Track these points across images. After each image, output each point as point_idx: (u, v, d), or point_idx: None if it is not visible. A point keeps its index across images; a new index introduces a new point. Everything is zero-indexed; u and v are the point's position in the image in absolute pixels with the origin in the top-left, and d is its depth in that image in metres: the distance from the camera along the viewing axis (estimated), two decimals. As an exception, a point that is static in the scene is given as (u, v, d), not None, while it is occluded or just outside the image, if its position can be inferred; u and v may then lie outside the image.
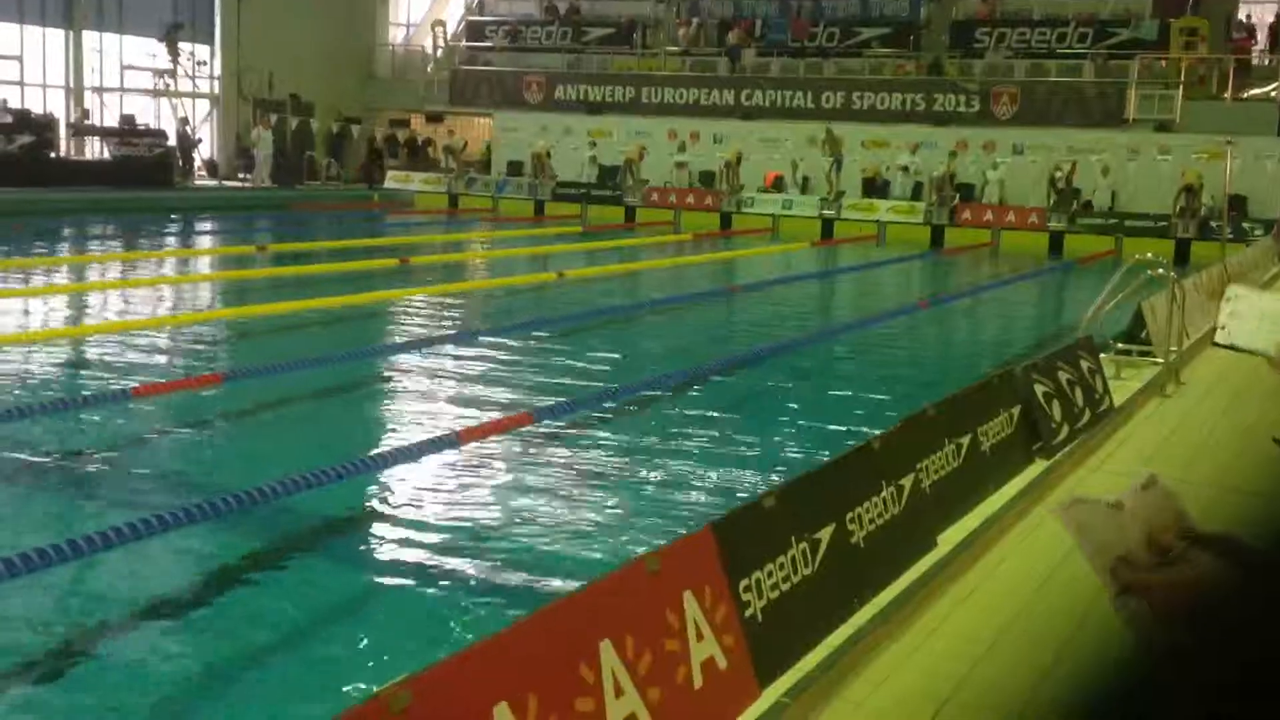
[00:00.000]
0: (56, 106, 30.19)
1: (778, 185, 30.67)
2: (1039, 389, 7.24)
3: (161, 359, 10.88)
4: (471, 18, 39.05)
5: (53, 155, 27.99)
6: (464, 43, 38.06)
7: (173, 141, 30.93)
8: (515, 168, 33.39)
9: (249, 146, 32.21)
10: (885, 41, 32.94)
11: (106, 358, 10.71)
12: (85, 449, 7.80)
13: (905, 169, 29.41)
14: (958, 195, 28.71)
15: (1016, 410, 6.91)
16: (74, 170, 27.90)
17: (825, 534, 4.48)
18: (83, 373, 10.27)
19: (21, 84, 29.61)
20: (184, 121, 32.08)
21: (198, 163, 32.70)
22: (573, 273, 17.81)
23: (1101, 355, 9.17)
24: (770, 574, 4.09)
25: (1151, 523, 1.67)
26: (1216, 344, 10.69)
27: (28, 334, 11.68)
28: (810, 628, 4.23)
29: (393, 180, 33.63)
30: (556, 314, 14.37)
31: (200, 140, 33.02)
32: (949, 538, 5.45)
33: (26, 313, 13.29)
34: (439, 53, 37.95)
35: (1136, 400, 9.14)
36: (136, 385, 9.02)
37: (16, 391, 8.94)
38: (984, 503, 6.06)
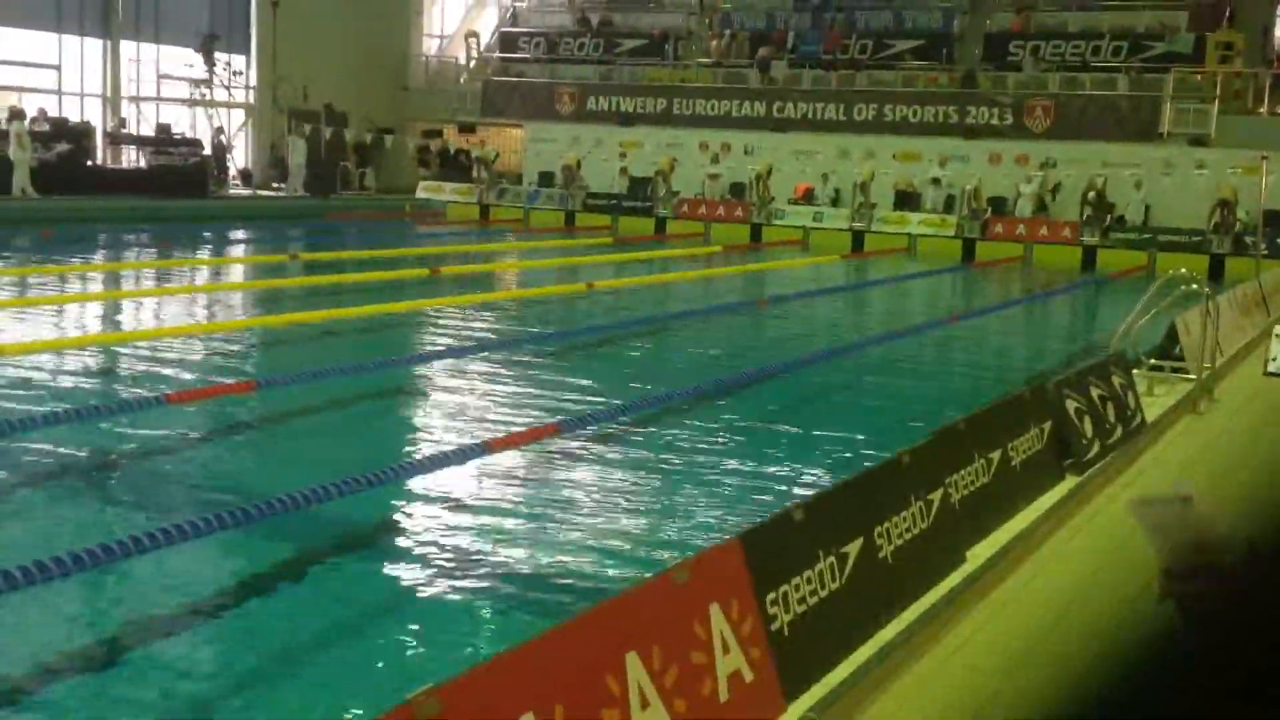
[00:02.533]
0: (94, 115, 30.53)
1: (809, 197, 30.64)
2: (1070, 404, 7.20)
3: (195, 366, 10.97)
4: (505, 29, 39.24)
5: (89, 163, 28.28)
6: (497, 54, 38.24)
7: (208, 151, 31.21)
8: (546, 179, 33.50)
9: (282, 155, 32.47)
10: (918, 54, 32.87)
11: (140, 364, 10.81)
12: (118, 455, 7.87)
13: (936, 181, 29.31)
14: (990, 209, 28.60)
15: (1047, 426, 6.87)
16: (110, 179, 28.18)
17: (853, 548, 4.47)
18: (116, 379, 10.37)
19: (59, 93, 29.96)
20: (219, 131, 32.36)
21: (232, 172, 32.98)
22: (602, 284, 17.82)
23: (1134, 371, 9.11)
24: (798, 587, 4.08)
25: (1171, 537, 1.68)
26: (1270, 374, 10.65)
27: (63, 340, 11.80)
28: (837, 642, 4.22)
29: (424, 190, 33.79)
30: (586, 325, 14.40)
31: (233, 149, 33.31)
32: (978, 553, 5.42)
33: (61, 319, 13.43)
34: (472, 64, 38.14)
35: (1169, 417, 9.07)
36: (170, 392, 9.10)
37: (52, 398, 9.03)
38: (1014, 518, 6.03)
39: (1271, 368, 10.76)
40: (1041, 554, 5.85)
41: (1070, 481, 6.84)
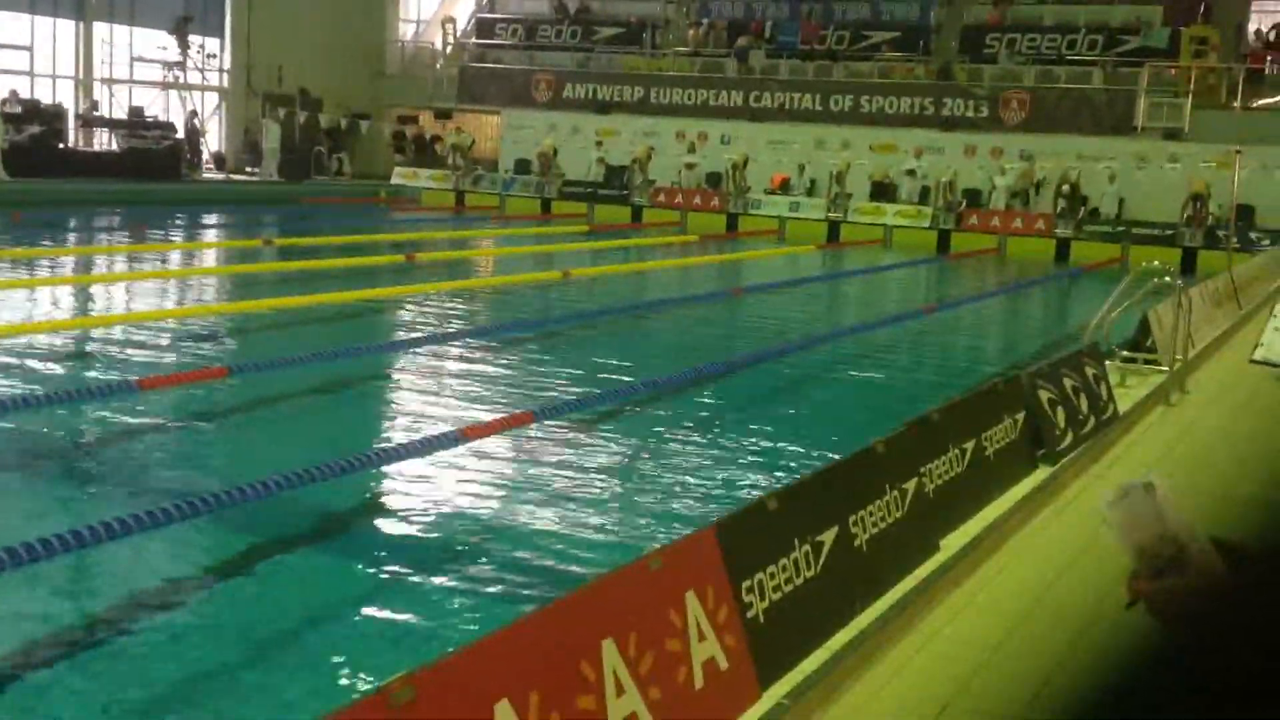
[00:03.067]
0: (66, 97, 30.24)
1: (785, 188, 30.66)
2: (1044, 395, 7.24)
3: (167, 351, 10.90)
4: (482, 15, 39.06)
5: (61, 146, 28.01)
6: (473, 40, 38.06)
7: (181, 134, 30.96)
8: (523, 166, 33.39)
9: (256, 139, 32.26)
10: (895, 45, 32.92)
11: (112, 349, 10.73)
12: (89, 440, 7.81)
13: (912, 173, 29.39)
14: (965, 201, 28.71)
15: (1021, 416, 6.90)
16: (82, 161, 27.93)
17: (828, 536, 4.48)
18: (88, 364, 10.29)
19: (31, 74, 29.65)
20: (193, 114, 32.11)
21: (205, 155, 32.73)
22: (578, 271, 17.80)
23: (1107, 363, 9.16)
24: (773, 575, 4.09)
25: (1136, 533, 1.68)
26: (1254, 361, 10.72)
27: (32, 325, 11.69)
28: (812, 630, 4.23)
29: (399, 176, 33.63)
30: (562, 313, 14.38)
31: (207, 133, 33.06)
32: (952, 542, 5.45)
33: (32, 303, 13.30)
34: (448, 49, 37.96)
35: (1141, 408, 9.13)
36: (142, 377, 9.04)
37: (21, 382, 8.95)
38: (987, 508, 6.06)
39: (1257, 354, 10.77)
40: (1014, 543, 5.89)
41: (1043, 471, 6.88)
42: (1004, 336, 16.17)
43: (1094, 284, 20.52)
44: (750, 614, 3.90)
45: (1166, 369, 10.02)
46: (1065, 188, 27.29)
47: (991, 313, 17.89)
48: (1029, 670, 4.41)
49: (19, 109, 26.87)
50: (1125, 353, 10.43)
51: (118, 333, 11.39)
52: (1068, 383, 7.69)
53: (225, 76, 33.88)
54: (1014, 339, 15.63)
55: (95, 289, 14.84)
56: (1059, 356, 8.29)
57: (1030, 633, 4.80)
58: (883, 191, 29.74)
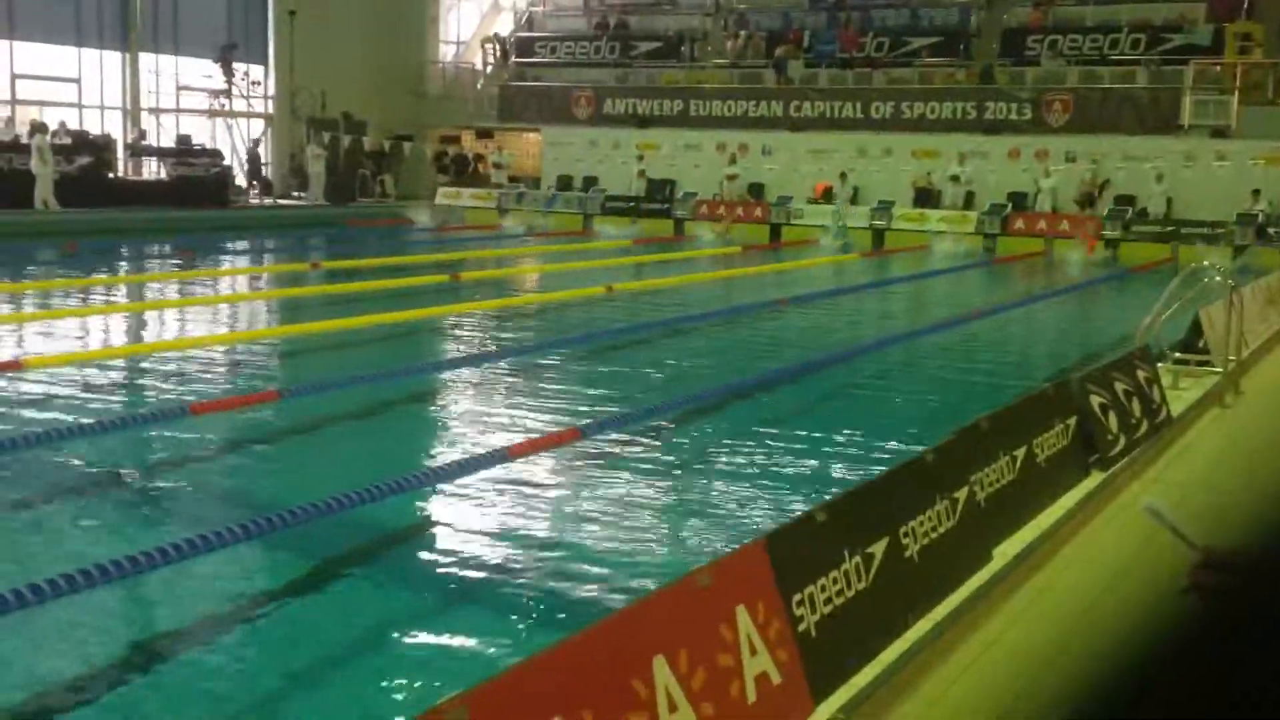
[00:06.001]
0: (114, 127, 30.73)
1: (827, 196, 30.58)
2: (1095, 400, 7.16)
3: (219, 376, 11.03)
4: (521, 34, 39.30)
5: (111, 176, 28.45)
6: (513, 59, 38.30)
7: (228, 160, 31.40)
8: (564, 182, 33.54)
9: (301, 164, 32.64)
10: (935, 50, 32.76)
11: (164, 376, 10.87)
12: (144, 465, 7.91)
13: (955, 178, 29.23)
14: (1010, 204, 28.51)
15: (1072, 422, 6.83)
16: (132, 190, 28.36)
17: (878, 548, 4.46)
18: (141, 390, 10.43)
19: (80, 106, 30.17)
20: (256, 142, 32.61)
21: (252, 181, 33.16)
22: (621, 286, 17.83)
23: (1158, 365, 9.05)
24: (823, 588, 4.07)
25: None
26: None
27: (88, 353, 11.88)
28: (864, 642, 4.21)
29: (443, 196, 33.88)
30: (606, 328, 14.41)
31: (254, 161, 33.49)
32: (1004, 551, 5.40)
33: (86, 332, 13.51)
34: (488, 69, 38.22)
35: (1194, 411, 9.01)
36: (194, 402, 9.15)
37: (78, 410, 9.08)
38: (1040, 515, 6.00)
39: None
40: (1068, 551, 5.82)
41: (1096, 477, 6.80)
42: (1053, 341, 16.01)
43: (1143, 285, 20.28)
44: (802, 627, 3.89)
45: (1219, 370, 9.88)
46: (1083, 190, 27.20)
47: (1040, 317, 17.73)
48: (1085, 677, 4.35)
49: (68, 140, 27.32)
50: (1177, 354, 10.30)
51: (170, 359, 11.53)
52: (1119, 386, 7.60)
53: (270, 103, 34.29)
54: (1063, 343, 15.47)
55: (147, 316, 15.05)
56: (1109, 360, 8.20)
57: (1086, 640, 4.74)
58: (926, 197, 29.59)
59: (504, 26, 40.71)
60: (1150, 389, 8.13)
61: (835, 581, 4.15)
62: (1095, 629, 4.87)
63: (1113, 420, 7.26)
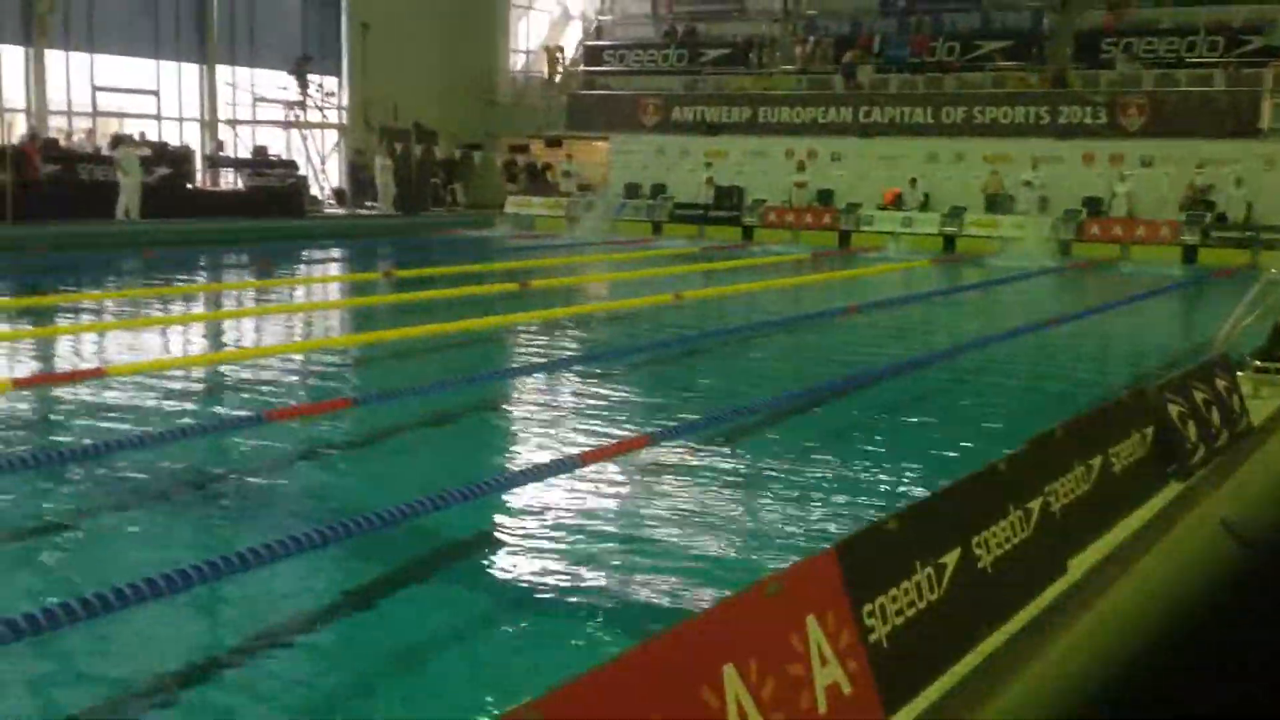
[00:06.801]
0: (192, 139, 31.35)
1: (897, 202, 30.37)
2: (1173, 409, 7.03)
3: (293, 384, 11.20)
4: (589, 43, 39.51)
5: (189, 186, 29.02)
6: (582, 68, 38.50)
7: (303, 171, 31.90)
8: (632, 190, 33.63)
9: (370, 176, 33.07)
10: (1007, 54, 32.44)
11: (240, 383, 11.06)
12: (220, 472, 8.05)
13: (1028, 183, 28.88)
14: (1085, 209, 28.11)
15: (1150, 431, 6.71)
16: (210, 200, 28.91)
17: (951, 558, 4.41)
18: (218, 398, 10.62)
19: (159, 118, 30.82)
20: (359, 153, 33.16)
21: (326, 191, 33.65)
22: (690, 294, 17.84)
23: (1238, 373, 8.86)
24: (895, 599, 4.04)
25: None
26: None
27: (167, 360, 12.12)
28: (937, 654, 4.16)
29: (512, 205, 34.14)
30: (674, 335, 14.42)
31: (325, 170, 34.00)
32: (1080, 562, 5.32)
33: (164, 339, 13.79)
34: (557, 78, 38.46)
35: (1276, 420, 8.81)
36: (270, 409, 9.30)
37: (157, 416, 9.27)
38: (1116, 527, 5.90)
39: None
40: (1145, 562, 5.72)
41: (1175, 488, 6.67)
42: (1130, 348, 15.75)
43: (1223, 291, 19.89)
44: (873, 638, 3.86)
45: (1303, 378, 9.65)
46: (1191, 192, 26.61)
47: (1116, 323, 17.45)
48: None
49: (148, 152, 27.93)
50: (1257, 362, 10.07)
51: (245, 367, 11.73)
52: (1198, 395, 7.46)
53: (343, 114, 34.78)
54: (1140, 350, 15.21)
55: (223, 324, 15.32)
56: (1188, 368, 8.05)
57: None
58: (996, 203, 29.27)
59: (573, 36, 40.96)
60: (1230, 397, 7.96)
61: (907, 592, 4.11)
62: (1173, 641, 4.78)
63: (1191, 429, 7.13)
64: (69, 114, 29.00)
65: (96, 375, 10.43)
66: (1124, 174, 28.30)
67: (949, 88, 31.87)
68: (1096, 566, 5.35)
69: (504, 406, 10.67)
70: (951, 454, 8.60)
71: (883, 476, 8.08)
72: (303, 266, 23.87)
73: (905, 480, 7.93)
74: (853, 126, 32.09)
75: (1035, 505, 5.15)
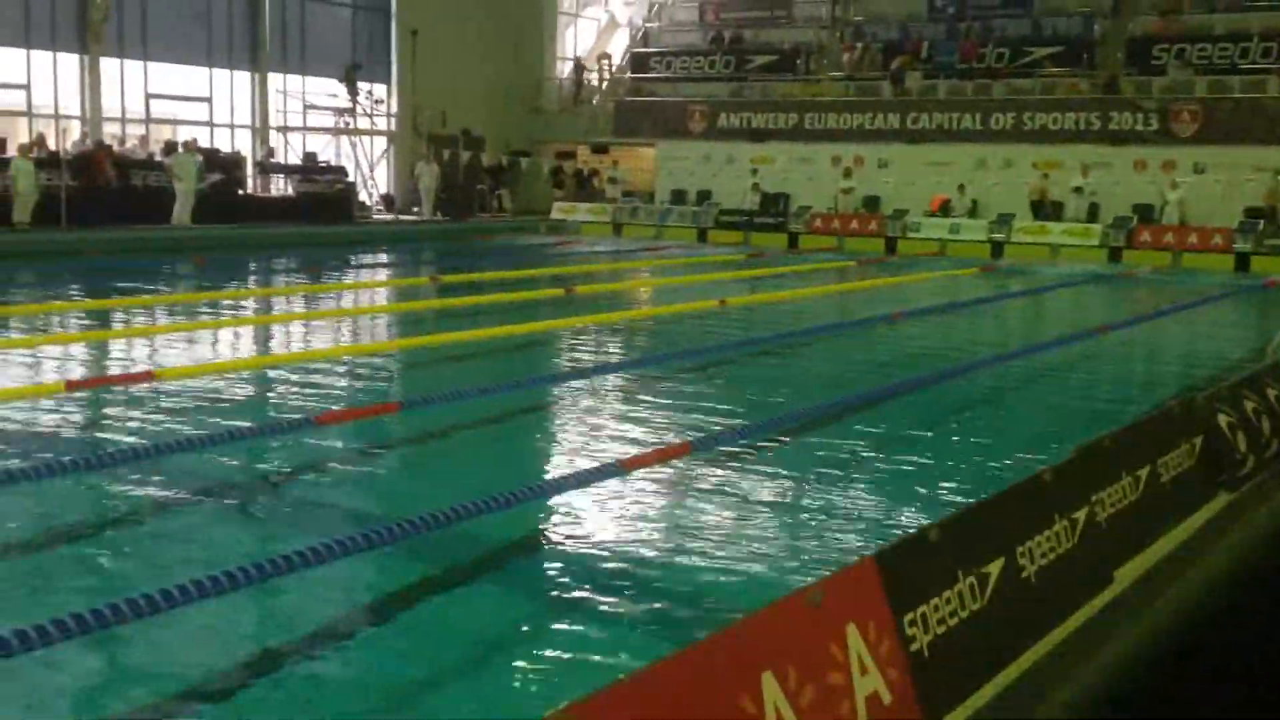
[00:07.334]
0: (244, 145, 31.74)
1: (944, 209, 30.19)
2: (1223, 419, 6.95)
3: (342, 388, 11.31)
4: (636, 50, 39.60)
5: (241, 192, 29.38)
6: (629, 74, 38.60)
7: (352, 177, 32.20)
8: (678, 196, 33.66)
9: (414, 183, 33.36)
10: (1057, 60, 32.18)
11: (290, 386, 11.18)
12: (271, 474, 8.15)
13: (1079, 190, 28.62)
14: (1136, 217, 27.82)
15: (1198, 441, 6.64)
16: (261, 206, 29.25)
17: (994, 568, 4.39)
18: (268, 401, 10.75)
19: (211, 124, 31.23)
20: (416, 161, 33.60)
21: (375, 197, 33.93)
22: (735, 300, 17.82)
23: (1291, 383, 8.73)
24: (937, 608, 4.03)
25: None
26: None
27: (219, 364, 12.28)
28: (979, 665, 4.15)
29: (559, 211, 34.28)
30: (719, 342, 14.41)
31: (373, 176, 34.31)
32: (1126, 573, 5.28)
33: (216, 343, 13.97)
34: (604, 85, 38.59)
35: (1330, 431, 8.67)
36: (319, 413, 9.40)
37: (209, 419, 9.40)
38: (1164, 538, 5.84)
39: None
40: (1193, 574, 5.66)
41: (1223, 499, 6.60)
42: (1179, 357, 15.56)
43: (1275, 300, 19.61)
44: (914, 647, 3.85)
45: (1357, 389, 9.49)
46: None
47: (1166, 332, 17.26)
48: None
49: (201, 158, 28.29)
50: (1311, 372, 9.93)
51: (296, 370, 11.86)
52: (1248, 405, 7.37)
53: (392, 120, 35.07)
54: (1190, 359, 15.03)
55: (273, 328, 15.50)
56: (1238, 377, 7.95)
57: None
58: (1041, 210, 29.04)
59: (620, 43, 41.07)
60: (1282, 408, 7.86)
61: (949, 601, 4.10)
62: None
63: (1241, 440, 7.04)
64: (123, 120, 29.46)
65: (147, 379, 10.59)
66: (1176, 181, 27.98)
67: (998, 94, 31.66)
68: (1142, 577, 5.30)
69: (548, 412, 10.72)
70: (997, 463, 8.55)
71: (926, 485, 8.04)
72: (352, 272, 24.09)
73: (948, 489, 7.89)
74: (900, 133, 31.96)
75: (1081, 515, 5.11)
